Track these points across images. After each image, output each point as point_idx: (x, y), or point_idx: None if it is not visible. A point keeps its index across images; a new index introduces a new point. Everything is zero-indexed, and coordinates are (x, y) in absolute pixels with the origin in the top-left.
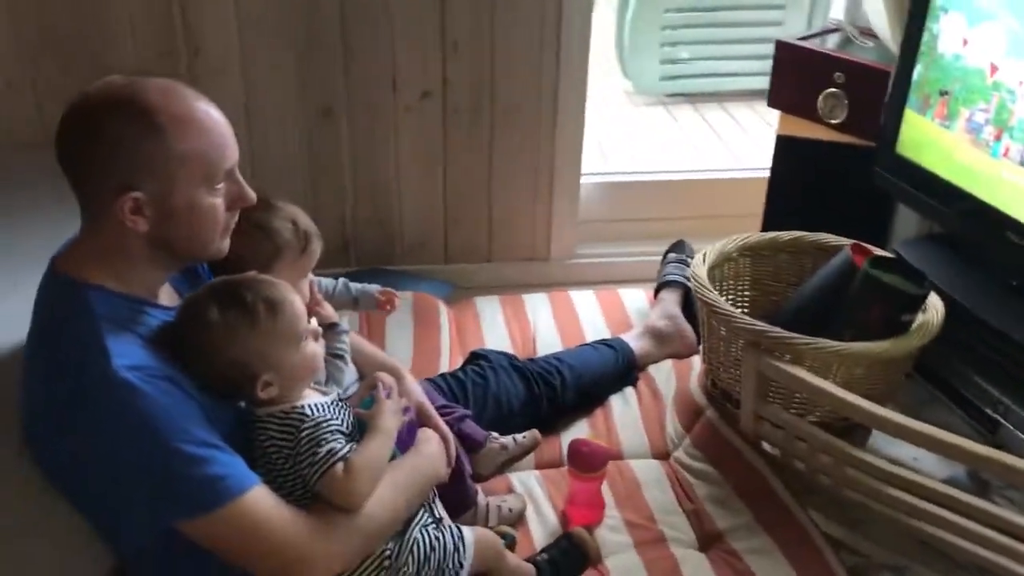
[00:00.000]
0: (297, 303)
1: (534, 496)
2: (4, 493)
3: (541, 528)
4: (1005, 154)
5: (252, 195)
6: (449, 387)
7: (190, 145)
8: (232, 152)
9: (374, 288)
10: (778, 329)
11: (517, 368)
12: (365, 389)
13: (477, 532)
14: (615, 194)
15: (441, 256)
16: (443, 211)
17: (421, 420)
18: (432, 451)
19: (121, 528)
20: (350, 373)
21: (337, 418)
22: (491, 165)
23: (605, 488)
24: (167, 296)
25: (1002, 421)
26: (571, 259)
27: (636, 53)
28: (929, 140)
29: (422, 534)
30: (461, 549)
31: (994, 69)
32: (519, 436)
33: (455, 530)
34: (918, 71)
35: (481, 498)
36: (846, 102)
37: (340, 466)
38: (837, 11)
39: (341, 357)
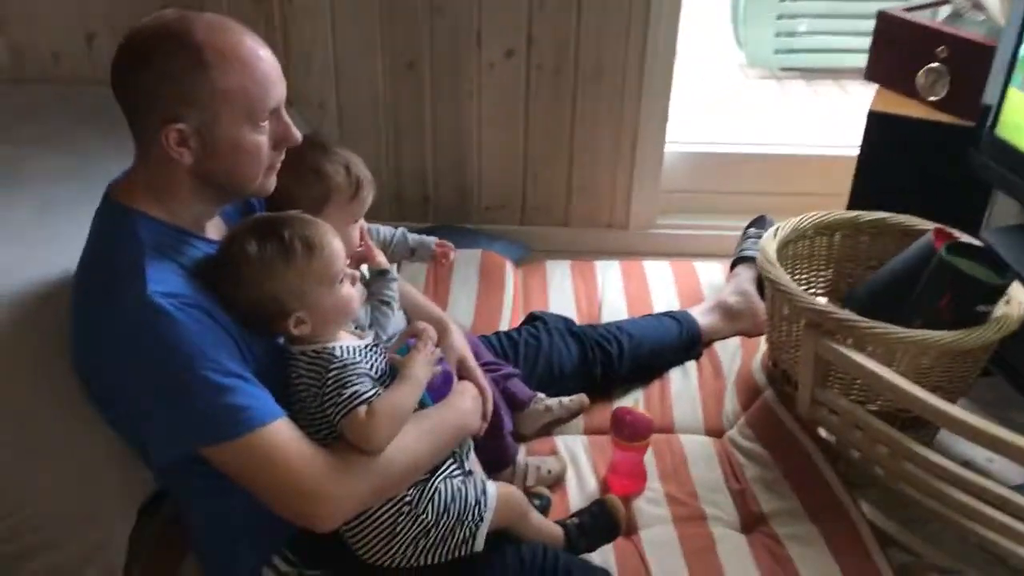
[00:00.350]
0: (335, 245)
1: (577, 461)
2: (54, 411)
3: (579, 493)
4: None
5: (298, 135)
6: (501, 345)
7: (234, 81)
8: (277, 91)
9: (431, 240)
10: (840, 310)
11: (574, 333)
12: (404, 337)
13: (502, 489)
14: (700, 165)
15: (518, 217)
16: (522, 172)
17: (461, 373)
18: (465, 405)
19: (150, 448)
20: (397, 321)
21: (367, 362)
22: (573, 128)
23: (650, 460)
24: (216, 230)
25: None
26: (650, 229)
27: (751, 24)
28: None
29: (445, 484)
30: (483, 503)
31: None
32: (566, 399)
33: (480, 484)
34: None
35: (521, 457)
36: (948, 79)
37: (363, 409)
38: None
39: (388, 304)
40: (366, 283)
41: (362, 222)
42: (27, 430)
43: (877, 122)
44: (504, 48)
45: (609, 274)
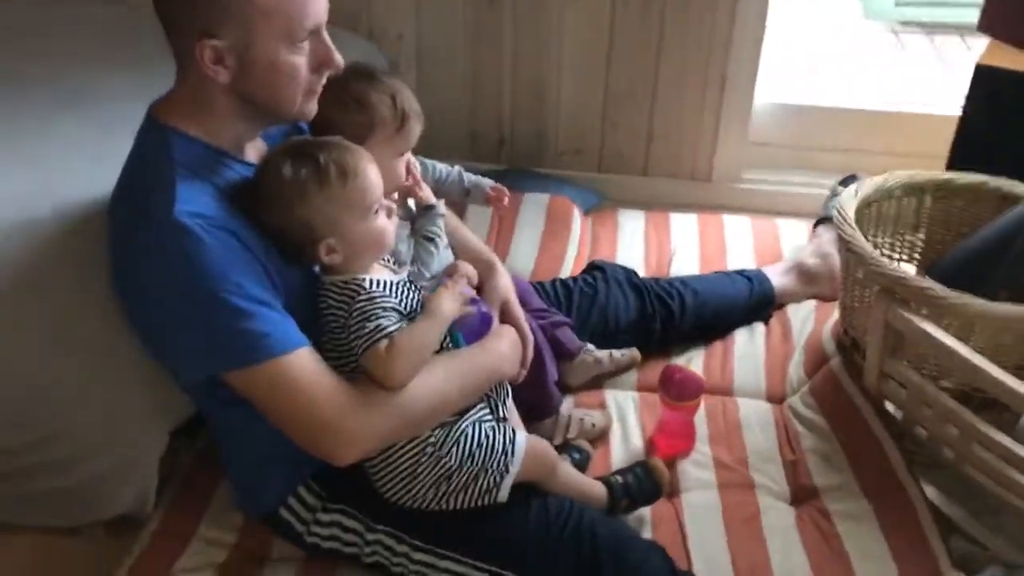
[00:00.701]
0: (372, 174)
1: (625, 417)
2: (93, 327)
3: (623, 450)
4: None
5: (340, 60)
6: (555, 292)
7: None
8: (317, 11)
9: (487, 182)
10: (916, 277)
11: (634, 284)
12: (443, 276)
13: (531, 441)
14: (792, 117)
15: (595, 164)
16: (601, 116)
17: (504, 317)
18: (501, 348)
19: (176, 369)
20: (443, 259)
21: (396, 297)
22: (657, 70)
23: (701, 422)
24: (256, 153)
25: None
26: (734, 183)
27: None
28: None
29: (473, 428)
30: (510, 452)
31: None
32: (617, 352)
33: (510, 434)
34: None
35: (565, 407)
36: None
37: (384, 343)
38: None
39: (432, 240)
40: (413, 218)
41: (410, 156)
42: (65, 343)
43: (984, 77)
44: None
45: (685, 227)
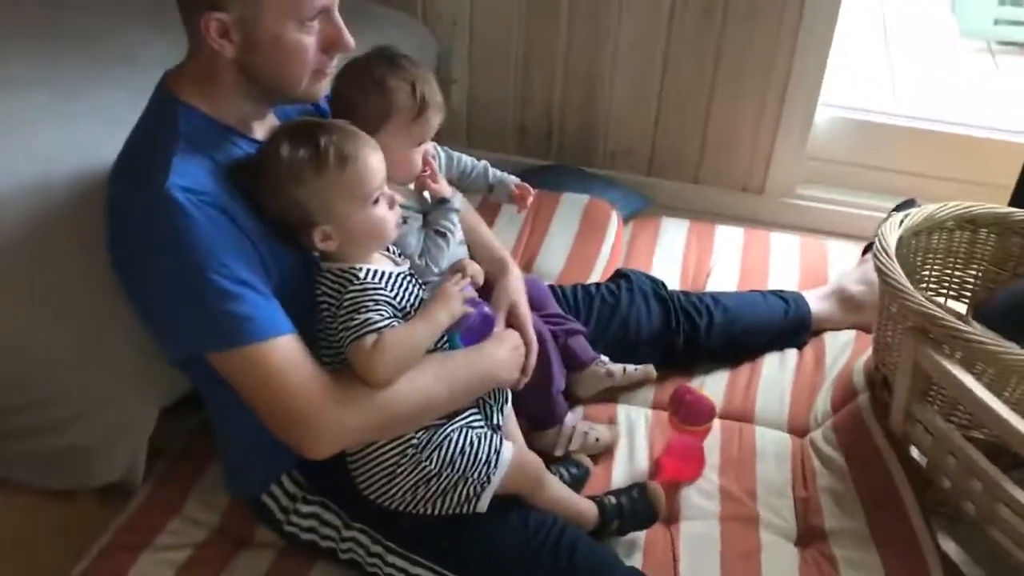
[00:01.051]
0: (373, 161)
1: (634, 435)
2: (92, 293)
3: (627, 469)
4: None
5: (350, 42)
6: (575, 298)
7: None
8: None
9: (512, 179)
10: (952, 316)
11: (660, 296)
12: (448, 272)
13: (518, 455)
14: (854, 133)
15: (644, 167)
16: (654, 118)
17: (511, 321)
18: (499, 354)
19: (160, 345)
20: (455, 255)
21: (392, 290)
22: (715, 75)
23: (714, 446)
24: (265, 131)
25: None
26: (788, 198)
27: None
28: None
29: (459, 434)
30: (493, 463)
31: None
32: (631, 367)
33: (496, 443)
34: None
35: (571, 418)
36: None
37: (370, 338)
38: None
39: (443, 235)
40: (427, 211)
41: (428, 146)
42: (65, 306)
43: None
44: None
45: (729, 240)
